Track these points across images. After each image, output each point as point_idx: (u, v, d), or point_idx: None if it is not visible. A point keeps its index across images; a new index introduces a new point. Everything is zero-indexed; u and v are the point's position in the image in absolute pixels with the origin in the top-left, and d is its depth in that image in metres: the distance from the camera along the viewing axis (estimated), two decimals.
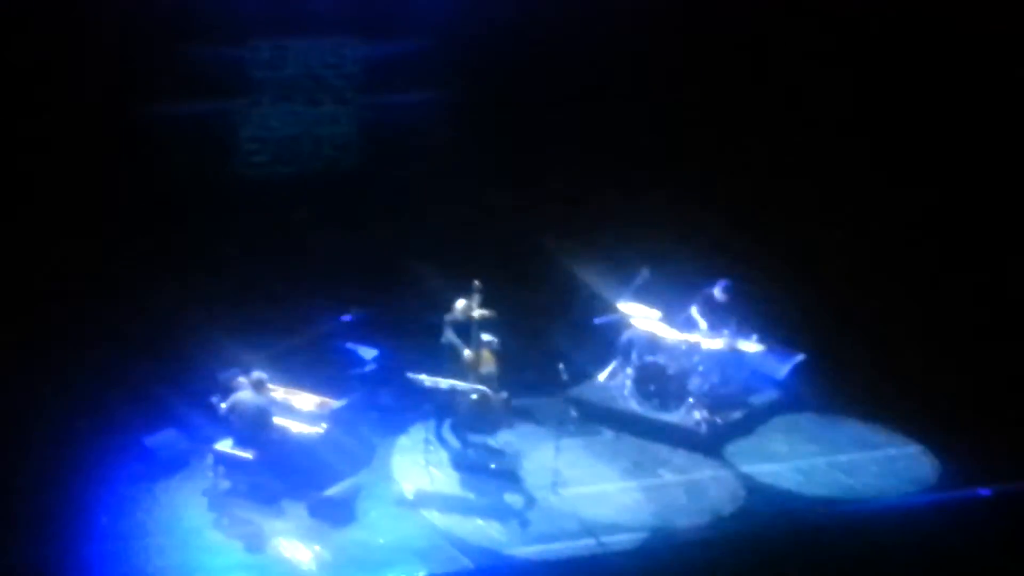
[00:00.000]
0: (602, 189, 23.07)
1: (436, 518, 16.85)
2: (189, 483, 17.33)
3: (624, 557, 16.32)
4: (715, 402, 19.29)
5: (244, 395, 16.93)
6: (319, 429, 17.29)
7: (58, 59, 20.44)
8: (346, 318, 19.81)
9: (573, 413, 19.34)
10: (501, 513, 17.03)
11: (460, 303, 18.48)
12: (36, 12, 20.26)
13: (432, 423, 18.58)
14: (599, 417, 19.56)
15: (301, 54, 22.78)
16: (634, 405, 19.54)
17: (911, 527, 16.95)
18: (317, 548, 15.90)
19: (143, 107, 21.31)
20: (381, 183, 23.07)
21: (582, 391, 19.89)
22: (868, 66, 23.26)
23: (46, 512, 16.16)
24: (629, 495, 17.63)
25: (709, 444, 18.85)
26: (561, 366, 18.45)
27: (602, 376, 20.30)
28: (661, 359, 19.48)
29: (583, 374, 20.05)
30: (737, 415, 19.46)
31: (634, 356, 19.79)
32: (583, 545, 16.41)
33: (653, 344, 19.74)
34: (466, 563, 16.06)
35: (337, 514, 16.74)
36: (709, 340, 19.52)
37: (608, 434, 19.29)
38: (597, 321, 20.30)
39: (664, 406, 19.33)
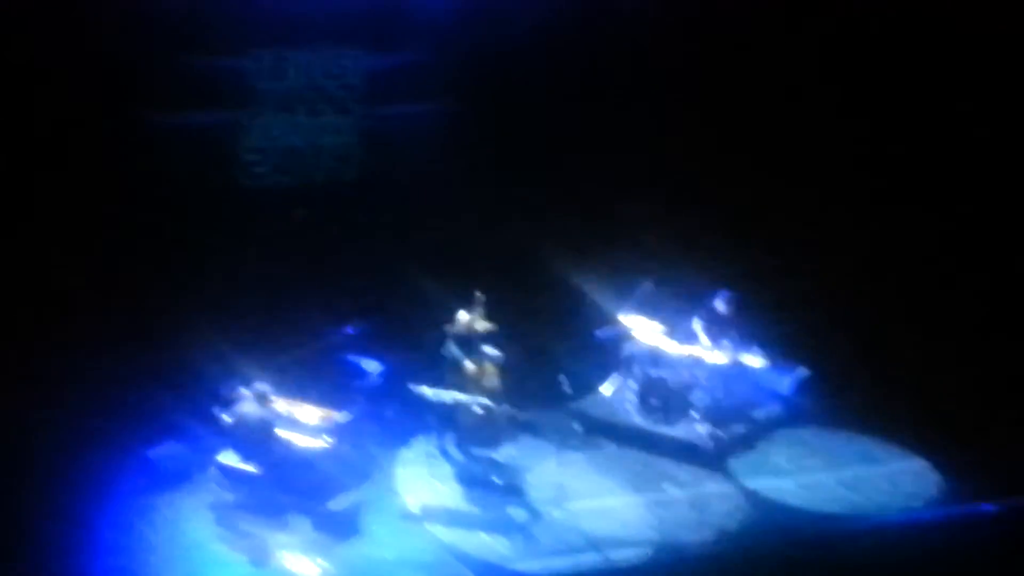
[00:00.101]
0: (605, 200, 23.07)
1: (440, 532, 16.80)
2: (192, 496, 17.24)
3: (628, 571, 16.31)
4: (718, 416, 19.22)
5: (247, 408, 16.85)
6: (323, 442, 17.20)
7: (60, 67, 20.48)
8: (349, 330, 19.75)
9: (576, 427, 19.30)
10: (505, 527, 16.97)
11: (462, 316, 18.48)
12: (38, 19, 20.26)
13: (435, 436, 18.56)
14: (602, 431, 19.49)
15: (303, 65, 22.79)
16: (637, 419, 19.50)
17: (915, 542, 16.88)
18: (321, 562, 15.83)
19: (145, 116, 21.36)
20: (383, 194, 23.08)
21: (585, 404, 19.84)
22: (874, 75, 23.25)
23: (49, 526, 16.06)
24: (632, 509, 17.57)
25: (712, 458, 18.79)
26: (564, 379, 18.44)
27: (605, 389, 20.24)
28: (664, 372, 19.46)
29: (586, 387, 19.99)
30: (740, 429, 19.39)
31: (637, 369, 19.77)
32: (587, 559, 16.36)
33: (656, 357, 19.70)
34: None
35: (341, 527, 16.64)
36: (712, 353, 19.48)
37: (611, 448, 19.22)
38: (599, 334, 20.25)
39: (667, 420, 19.30)
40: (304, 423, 17.38)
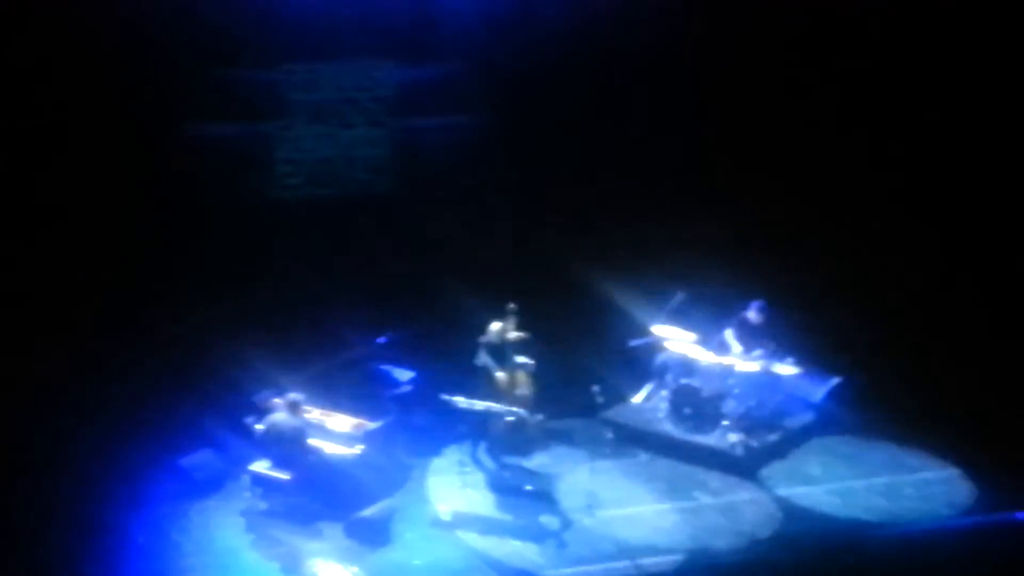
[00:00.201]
0: (636, 210, 23.07)
1: (472, 539, 16.82)
2: (225, 504, 17.37)
3: None
4: (750, 425, 19.20)
5: (280, 416, 16.94)
6: (355, 450, 17.28)
7: (95, 82, 20.63)
8: (381, 340, 19.79)
9: (608, 435, 19.27)
10: (537, 535, 16.97)
11: (495, 325, 18.55)
12: (79, 36, 20.44)
13: (467, 445, 18.61)
14: (634, 439, 19.48)
15: (335, 77, 22.91)
16: (669, 427, 19.47)
17: (948, 551, 16.76)
18: (354, 569, 15.77)
19: (179, 129, 21.53)
20: (414, 205, 23.14)
21: (617, 413, 19.83)
22: (906, 88, 23.20)
23: (83, 532, 16.21)
24: (665, 517, 17.53)
25: (745, 467, 18.74)
26: (596, 388, 18.44)
27: (637, 398, 20.22)
28: (696, 381, 19.43)
29: (618, 396, 19.99)
30: (773, 438, 19.33)
31: (669, 378, 19.78)
32: (619, 567, 16.31)
33: (688, 366, 19.71)
34: None
35: (373, 535, 16.71)
36: (744, 362, 19.47)
37: (643, 456, 19.20)
38: (632, 344, 20.25)
39: (699, 428, 19.26)
40: (336, 432, 17.47)
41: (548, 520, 17.38)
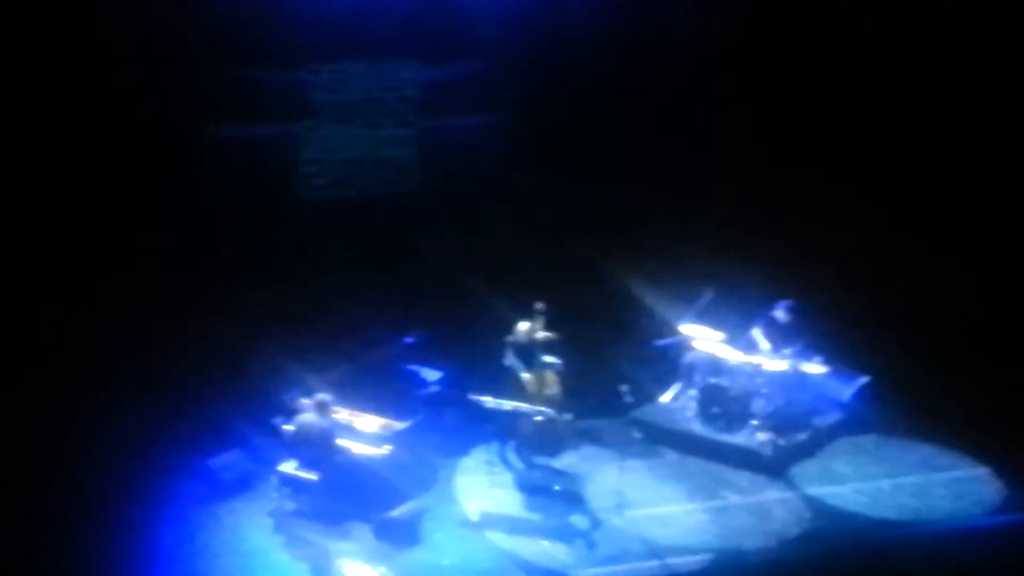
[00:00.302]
0: (665, 209, 23.03)
1: (501, 540, 16.81)
2: (253, 505, 17.38)
3: None
4: (779, 424, 19.13)
5: (308, 417, 16.95)
6: (383, 451, 17.28)
7: (125, 83, 20.68)
8: (409, 340, 19.80)
9: (637, 435, 19.27)
10: (566, 534, 16.96)
11: (523, 325, 18.55)
12: (105, 37, 20.49)
13: (495, 445, 18.60)
14: (662, 439, 19.45)
15: (361, 77, 22.91)
16: (697, 427, 19.43)
17: (978, 550, 16.68)
18: (382, 570, 15.82)
19: (206, 130, 21.53)
20: (442, 205, 23.14)
21: (645, 413, 19.80)
22: (941, 87, 23.09)
23: (111, 533, 16.24)
24: (694, 517, 17.51)
25: (773, 466, 18.70)
26: (624, 388, 18.41)
27: (665, 398, 20.20)
28: (724, 381, 19.39)
29: (646, 396, 19.96)
30: (801, 437, 19.28)
31: (697, 378, 19.74)
32: (648, 567, 16.30)
33: (716, 366, 19.66)
34: None
35: (402, 536, 16.71)
36: (772, 362, 19.41)
37: (672, 456, 19.18)
38: (660, 343, 20.22)
39: (728, 428, 19.22)
40: (365, 432, 17.48)
41: (577, 520, 17.37)
